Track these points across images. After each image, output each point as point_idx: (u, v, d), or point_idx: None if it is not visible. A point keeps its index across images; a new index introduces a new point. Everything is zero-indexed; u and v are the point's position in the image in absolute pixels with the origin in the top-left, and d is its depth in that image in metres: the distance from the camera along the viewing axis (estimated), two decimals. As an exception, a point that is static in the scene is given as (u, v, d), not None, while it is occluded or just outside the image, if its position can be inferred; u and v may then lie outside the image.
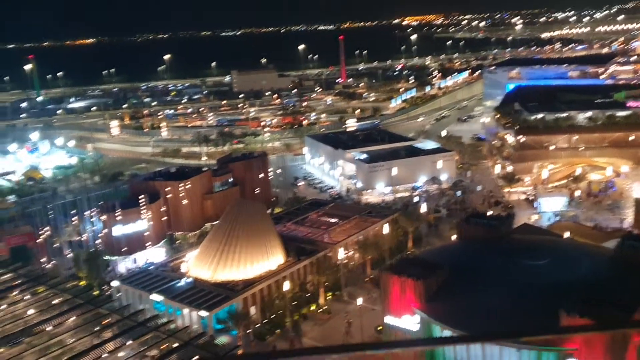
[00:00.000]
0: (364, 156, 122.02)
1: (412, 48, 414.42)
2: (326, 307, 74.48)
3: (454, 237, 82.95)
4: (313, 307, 74.66)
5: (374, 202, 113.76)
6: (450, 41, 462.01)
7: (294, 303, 73.46)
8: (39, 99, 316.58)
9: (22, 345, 61.78)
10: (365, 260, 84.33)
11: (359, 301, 69.56)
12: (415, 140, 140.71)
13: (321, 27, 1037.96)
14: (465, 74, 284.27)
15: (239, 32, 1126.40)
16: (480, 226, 68.03)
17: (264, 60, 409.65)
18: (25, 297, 73.38)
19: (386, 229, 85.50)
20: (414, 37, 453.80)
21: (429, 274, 55.34)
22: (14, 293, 74.81)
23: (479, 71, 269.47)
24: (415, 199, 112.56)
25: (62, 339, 63.11)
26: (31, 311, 70.21)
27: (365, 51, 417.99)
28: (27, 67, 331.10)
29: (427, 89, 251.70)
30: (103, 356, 58.97)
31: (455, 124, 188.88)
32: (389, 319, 57.92)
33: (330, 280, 77.48)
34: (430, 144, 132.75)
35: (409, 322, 55.58)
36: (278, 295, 73.66)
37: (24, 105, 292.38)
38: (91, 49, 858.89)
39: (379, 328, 64.83)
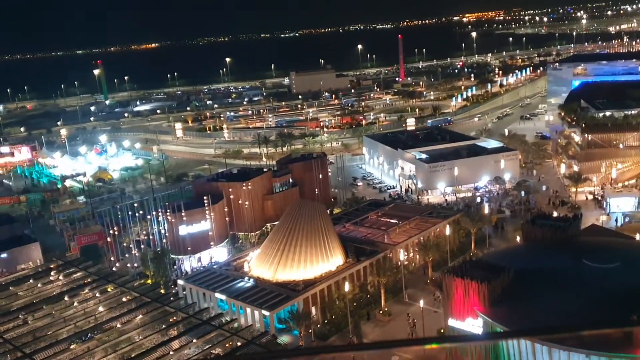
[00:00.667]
0: (424, 156, 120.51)
1: (472, 45, 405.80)
2: (386, 309, 73.98)
3: (518, 238, 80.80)
4: (373, 309, 74.26)
5: (435, 202, 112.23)
6: (511, 38, 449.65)
7: (354, 304, 73.48)
8: (107, 102, 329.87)
9: (93, 341, 64.44)
10: (426, 262, 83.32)
11: (421, 303, 68.75)
12: (477, 139, 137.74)
13: (379, 26, 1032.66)
14: (528, 70, 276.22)
15: (298, 33, 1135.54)
16: (546, 228, 65.83)
17: (322, 61, 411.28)
18: (96, 295, 76.47)
19: (448, 230, 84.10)
20: (473, 34, 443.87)
21: (493, 277, 54.06)
22: (85, 291, 78.12)
23: (543, 68, 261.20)
24: (478, 200, 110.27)
25: (131, 335, 65.40)
26: (101, 308, 73.08)
27: (424, 49, 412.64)
28: (96, 71, 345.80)
29: (489, 86, 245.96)
30: (170, 353, 60.74)
31: (518, 122, 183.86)
32: (452, 322, 57.00)
33: (391, 281, 76.92)
34: (492, 143, 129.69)
35: (472, 325, 54.51)
36: (338, 296, 73.82)
37: (92, 108, 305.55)
38: (155, 53, 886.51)
39: (441, 331, 63.91)
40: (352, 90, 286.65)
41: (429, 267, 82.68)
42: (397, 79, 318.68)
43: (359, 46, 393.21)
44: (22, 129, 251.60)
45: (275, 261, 77.19)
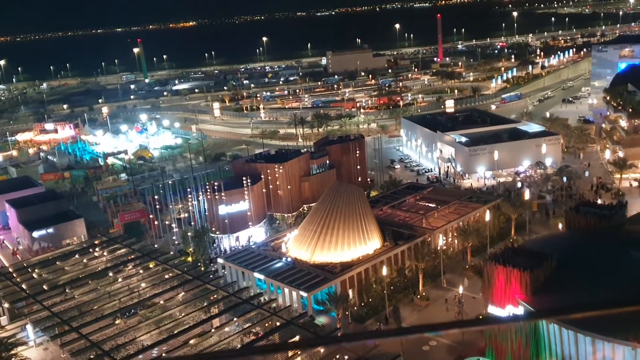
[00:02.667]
0: (464, 139, 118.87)
1: (513, 25, 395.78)
2: (424, 293, 73.93)
3: (560, 225, 79.36)
4: (411, 293, 74.31)
5: (475, 186, 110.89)
6: (553, 17, 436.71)
7: (391, 288, 73.64)
8: (147, 80, 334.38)
9: (137, 317, 66.25)
10: (465, 247, 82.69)
11: (460, 289, 68.46)
12: (517, 123, 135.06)
13: (417, 5, 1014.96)
14: (571, 52, 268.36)
15: (334, 12, 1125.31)
16: (590, 215, 64.53)
17: (359, 40, 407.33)
18: (139, 271, 78.39)
19: (488, 215, 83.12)
20: (514, 13, 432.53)
21: (535, 265, 53.41)
22: (129, 267, 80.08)
23: (586, 49, 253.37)
24: (518, 185, 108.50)
25: (173, 312, 66.95)
26: (144, 285, 74.86)
27: (463, 29, 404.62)
28: (136, 50, 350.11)
29: (530, 68, 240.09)
30: (212, 331, 62.07)
31: (560, 105, 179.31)
32: (492, 309, 56.71)
33: (429, 266, 76.70)
34: (534, 127, 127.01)
35: (513, 313, 54.13)
36: (375, 279, 74.05)
37: (132, 87, 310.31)
38: (193, 31, 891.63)
39: (480, 317, 63.59)
40: (390, 71, 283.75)
41: (468, 252, 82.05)
42: (435, 59, 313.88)
43: (397, 25, 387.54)
44: (65, 107, 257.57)
45: (313, 243, 77.70)
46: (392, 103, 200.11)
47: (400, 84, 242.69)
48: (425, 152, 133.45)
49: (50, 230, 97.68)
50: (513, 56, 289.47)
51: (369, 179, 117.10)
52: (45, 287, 75.86)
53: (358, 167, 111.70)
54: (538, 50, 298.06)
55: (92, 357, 58.35)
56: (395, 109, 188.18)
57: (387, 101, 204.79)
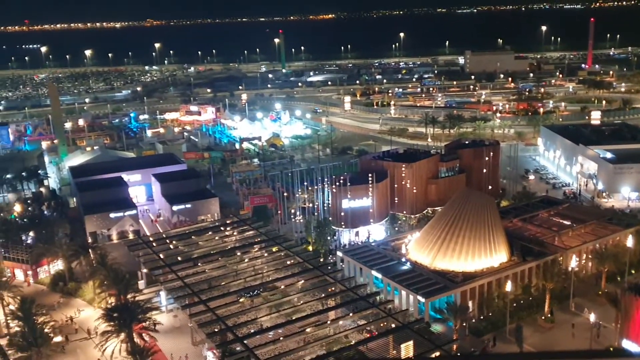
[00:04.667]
0: (609, 155, 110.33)
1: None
2: (549, 315, 69.98)
3: None
4: (535, 314, 70.66)
5: (616, 207, 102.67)
6: None
7: (514, 305, 70.55)
8: (284, 71, 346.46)
9: (259, 298, 69.28)
10: (600, 272, 76.97)
11: (592, 317, 63.95)
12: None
13: (567, 6, 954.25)
14: None
15: (476, 10, 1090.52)
16: None
17: (500, 41, 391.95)
18: (264, 254, 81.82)
19: (630, 240, 76.62)
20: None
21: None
22: (255, 249, 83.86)
23: None
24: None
25: (292, 298, 69.21)
26: (267, 268, 78.07)
27: (618, 35, 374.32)
28: (276, 40, 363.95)
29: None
30: (327, 322, 63.33)
31: None
32: (627, 344, 52.50)
33: (557, 287, 72.38)
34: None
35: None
36: (498, 294, 71.30)
37: (270, 76, 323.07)
38: (331, 24, 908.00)
39: (610, 349, 59.10)
40: (531, 75, 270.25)
41: (602, 277, 76.34)
42: (583, 65, 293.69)
43: (543, 27, 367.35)
44: (208, 90, 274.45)
45: (435, 248, 76.33)
46: (532, 109, 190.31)
47: (542, 89, 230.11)
48: (564, 164, 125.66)
49: (189, 205, 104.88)
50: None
51: (500, 188, 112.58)
52: (179, 258, 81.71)
53: (490, 174, 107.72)
54: None
55: (216, 330, 62.01)
56: (535, 116, 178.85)
57: (526, 107, 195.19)
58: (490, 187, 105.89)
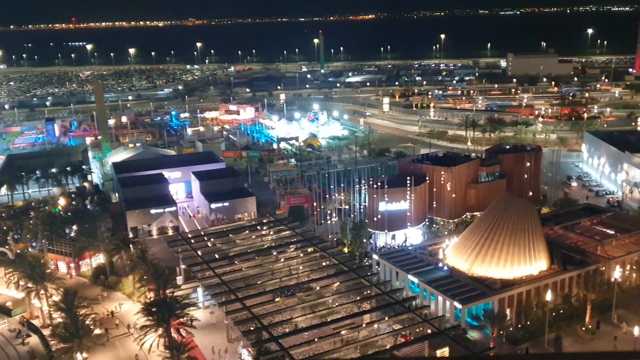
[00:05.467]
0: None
1: None
2: (590, 326, 68.25)
3: None
4: (575, 324, 69.02)
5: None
6: None
7: (553, 314, 69.07)
8: (322, 71, 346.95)
9: (294, 299, 69.61)
10: (645, 284, 74.74)
11: (636, 330, 62.07)
12: None
13: (615, 8, 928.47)
14: None
15: (519, 11, 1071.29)
16: None
17: (544, 43, 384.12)
18: (299, 255, 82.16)
19: (677, 253, 74.17)
20: None
21: None
22: (291, 249, 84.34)
23: None
24: None
25: (327, 300, 69.31)
26: (302, 268, 78.36)
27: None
28: (315, 40, 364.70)
29: None
30: (363, 326, 63.21)
31: None
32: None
33: (599, 298, 70.53)
34: None
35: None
36: (537, 303, 69.92)
37: (309, 76, 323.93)
38: (371, 24, 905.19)
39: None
40: (575, 79, 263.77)
41: (647, 290, 74.10)
42: (630, 70, 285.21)
43: (589, 30, 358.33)
44: (247, 90, 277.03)
45: (474, 254, 75.33)
46: (575, 114, 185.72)
47: (587, 94, 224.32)
48: (608, 172, 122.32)
49: (227, 203, 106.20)
50: None
51: (541, 194, 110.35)
52: (216, 255, 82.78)
53: (531, 180, 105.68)
54: None
55: (252, 328, 62.60)
56: (578, 121, 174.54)
57: (569, 112, 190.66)
58: (530, 194, 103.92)
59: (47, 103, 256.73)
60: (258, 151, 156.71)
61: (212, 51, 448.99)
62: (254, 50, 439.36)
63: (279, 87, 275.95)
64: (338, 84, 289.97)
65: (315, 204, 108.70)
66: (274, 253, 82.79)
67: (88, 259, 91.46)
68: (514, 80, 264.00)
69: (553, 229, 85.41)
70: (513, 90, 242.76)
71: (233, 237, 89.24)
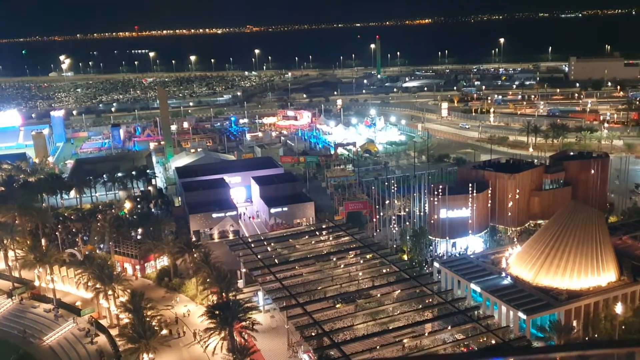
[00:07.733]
0: None
1: None
2: (665, 342, 65.22)
3: None
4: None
5: None
6: None
7: (623, 328, 66.47)
8: (379, 76, 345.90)
9: (355, 305, 69.68)
10: None
11: None
12: None
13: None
14: None
15: (581, 14, 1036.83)
16: None
17: (608, 47, 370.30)
18: (359, 261, 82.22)
19: None
20: None
21: None
22: (350, 255, 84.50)
23: None
24: None
25: (387, 308, 69.03)
26: (362, 274, 78.38)
27: None
28: (372, 46, 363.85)
29: None
30: (425, 334, 62.68)
31: None
32: None
33: (674, 312, 67.47)
34: None
35: None
36: (606, 315, 67.47)
37: (365, 81, 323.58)
38: (428, 29, 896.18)
39: None
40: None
41: None
42: None
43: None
44: (304, 96, 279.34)
45: (538, 263, 73.42)
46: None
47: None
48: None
49: (285, 208, 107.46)
50: None
51: (608, 203, 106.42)
52: (276, 260, 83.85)
53: (597, 188, 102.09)
54: None
55: (313, 334, 63.08)
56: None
57: (636, 117, 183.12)
58: (596, 201, 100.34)
59: (112, 109, 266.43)
60: (315, 156, 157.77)
61: (269, 57, 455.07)
62: (310, 56, 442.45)
63: (335, 93, 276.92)
64: (395, 89, 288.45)
65: (373, 210, 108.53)
66: (334, 259, 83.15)
67: (153, 261, 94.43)
68: (577, 84, 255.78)
69: (622, 238, 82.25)
70: (576, 95, 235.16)
71: (293, 242, 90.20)
